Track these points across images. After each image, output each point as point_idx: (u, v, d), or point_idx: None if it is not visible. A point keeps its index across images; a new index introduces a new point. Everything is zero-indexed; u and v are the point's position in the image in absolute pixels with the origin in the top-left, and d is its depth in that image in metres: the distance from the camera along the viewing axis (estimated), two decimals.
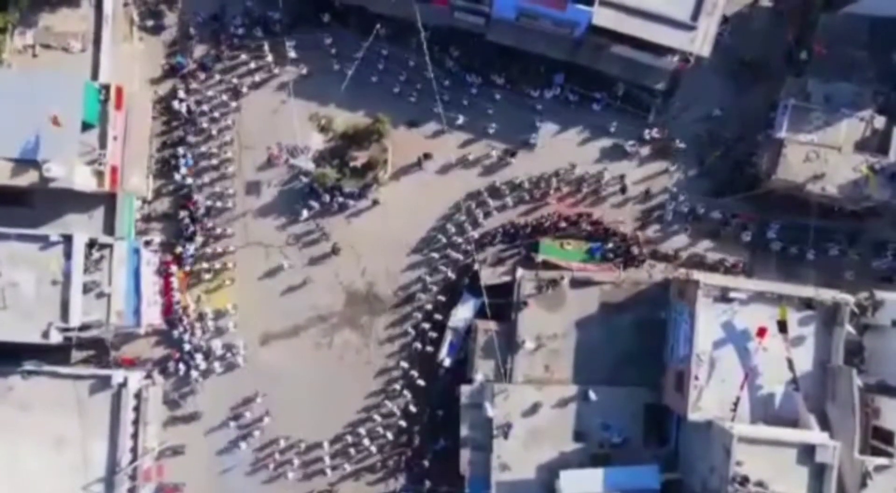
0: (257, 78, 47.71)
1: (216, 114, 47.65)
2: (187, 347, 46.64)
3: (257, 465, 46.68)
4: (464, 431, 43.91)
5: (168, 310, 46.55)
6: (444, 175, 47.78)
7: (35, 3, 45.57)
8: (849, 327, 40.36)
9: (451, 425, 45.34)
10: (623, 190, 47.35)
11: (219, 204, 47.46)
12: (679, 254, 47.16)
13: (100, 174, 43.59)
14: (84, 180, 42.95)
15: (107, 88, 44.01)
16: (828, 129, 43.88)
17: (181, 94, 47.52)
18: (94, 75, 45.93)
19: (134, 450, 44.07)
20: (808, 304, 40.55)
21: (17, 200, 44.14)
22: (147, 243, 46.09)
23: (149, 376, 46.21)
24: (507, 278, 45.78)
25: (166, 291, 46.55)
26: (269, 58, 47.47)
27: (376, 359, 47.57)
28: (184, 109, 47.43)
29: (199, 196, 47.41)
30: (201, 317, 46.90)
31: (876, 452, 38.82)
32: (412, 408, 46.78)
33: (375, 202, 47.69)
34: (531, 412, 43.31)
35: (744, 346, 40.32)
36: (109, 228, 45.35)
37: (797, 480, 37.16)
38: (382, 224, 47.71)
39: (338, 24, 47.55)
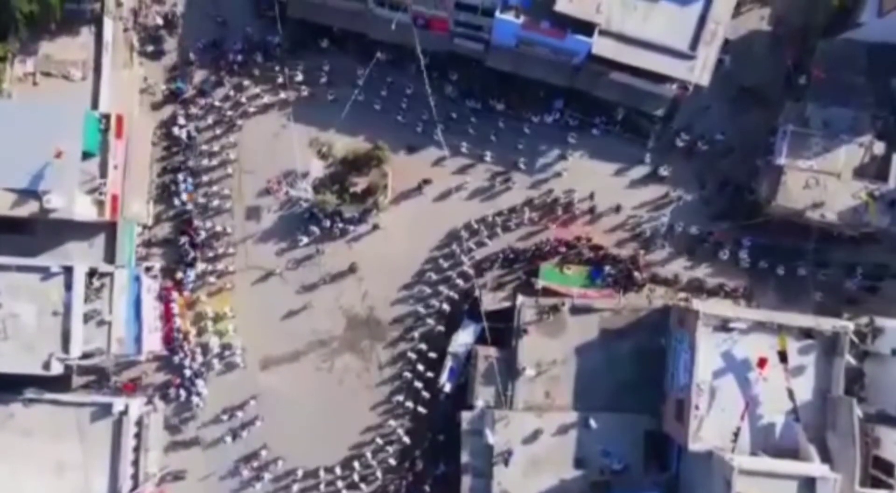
0: (257, 104, 47.84)
1: (216, 139, 47.75)
2: (188, 373, 46.73)
3: (258, 490, 46.64)
4: (464, 457, 44.01)
5: (168, 337, 46.60)
6: (443, 200, 47.89)
7: (35, 32, 45.73)
8: (848, 357, 40.35)
9: (451, 450, 45.46)
10: (618, 210, 47.55)
11: (219, 229, 47.56)
12: (679, 278, 47.20)
13: (100, 203, 43.74)
14: (85, 210, 43.05)
15: (107, 117, 44.10)
16: (827, 154, 43.96)
17: (181, 119, 47.63)
18: (95, 103, 46.03)
19: (135, 476, 44.26)
20: (807, 333, 40.65)
21: (18, 228, 44.32)
22: (147, 270, 46.17)
23: (150, 402, 46.30)
24: (507, 304, 45.84)
25: (167, 317, 46.58)
26: (269, 83, 47.58)
27: (377, 383, 47.67)
28: (184, 135, 47.53)
29: (199, 222, 47.47)
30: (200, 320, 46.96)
31: (876, 483, 38.89)
32: (413, 433, 46.84)
33: (376, 227, 47.81)
34: (532, 439, 43.43)
35: (744, 375, 40.44)
36: (110, 255, 45.57)
37: None
38: (383, 249, 47.81)
39: (337, 50, 47.75)
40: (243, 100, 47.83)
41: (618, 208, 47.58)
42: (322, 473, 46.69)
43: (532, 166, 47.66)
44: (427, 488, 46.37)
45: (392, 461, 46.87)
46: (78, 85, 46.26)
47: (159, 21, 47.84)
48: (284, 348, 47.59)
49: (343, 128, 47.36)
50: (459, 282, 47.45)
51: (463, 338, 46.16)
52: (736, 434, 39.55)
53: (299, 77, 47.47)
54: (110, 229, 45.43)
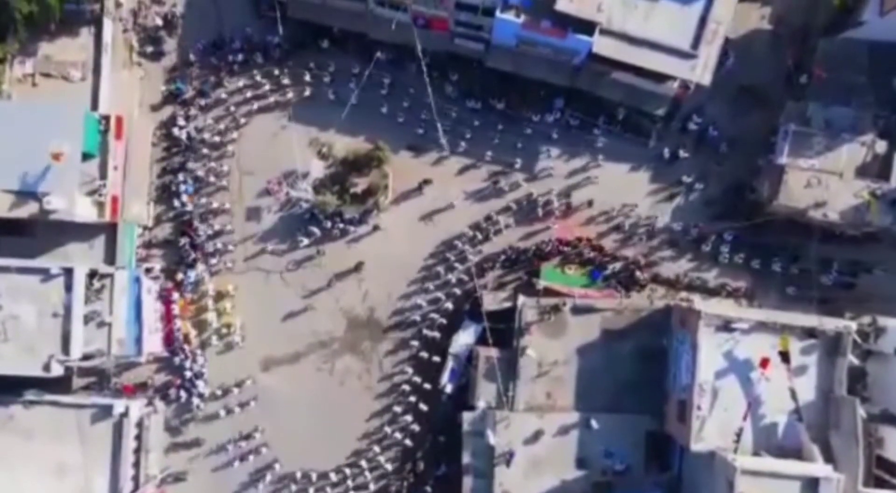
0: (257, 104, 47.72)
1: (216, 140, 47.69)
2: (188, 374, 46.63)
3: (259, 491, 46.54)
4: (466, 458, 43.89)
5: (169, 338, 46.51)
6: (444, 200, 47.70)
7: (34, 33, 45.67)
8: (851, 356, 40.23)
9: (452, 450, 45.36)
10: (626, 216, 47.41)
11: (219, 229, 47.44)
12: (680, 278, 47.06)
13: (100, 205, 43.72)
14: (85, 212, 43.00)
15: (107, 118, 44.04)
16: (829, 154, 43.77)
17: (181, 120, 47.52)
18: (95, 104, 45.96)
19: (136, 478, 44.24)
20: (810, 333, 40.47)
21: (18, 229, 44.27)
22: (148, 271, 46.16)
23: (150, 403, 46.21)
24: (508, 305, 45.71)
25: (167, 318, 46.49)
26: (269, 84, 47.48)
27: (377, 385, 47.59)
28: (184, 136, 47.44)
29: (199, 222, 47.35)
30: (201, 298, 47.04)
31: (880, 483, 38.75)
32: (414, 434, 46.76)
33: (376, 228, 47.71)
34: (533, 440, 43.32)
35: (746, 375, 40.28)
36: (110, 256, 45.55)
37: None
38: (383, 250, 47.70)
39: (337, 50, 47.61)
40: (243, 100, 47.70)
41: (617, 208, 47.40)
42: (322, 474, 46.56)
43: (533, 166, 47.50)
44: (428, 489, 46.29)
45: (393, 462, 46.76)
46: (77, 86, 46.25)
47: (159, 22, 47.76)
48: (285, 349, 47.49)
49: (343, 128, 47.30)
50: (460, 282, 47.31)
51: (464, 339, 46.03)
52: (738, 434, 39.38)
53: (299, 77, 47.33)
54: (110, 231, 45.42)
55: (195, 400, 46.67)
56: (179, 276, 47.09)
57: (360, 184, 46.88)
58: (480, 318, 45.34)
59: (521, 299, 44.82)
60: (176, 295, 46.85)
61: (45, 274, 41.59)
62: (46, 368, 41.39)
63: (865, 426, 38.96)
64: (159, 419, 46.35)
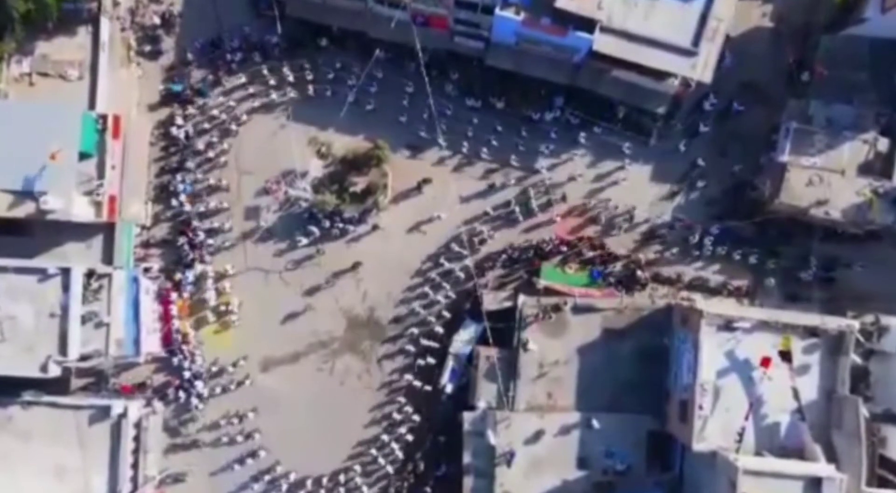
0: (255, 103, 47.53)
1: (214, 139, 47.46)
2: (187, 374, 46.39)
3: (257, 492, 46.34)
4: (466, 458, 43.69)
5: (167, 338, 46.27)
6: (443, 199, 47.41)
7: (31, 32, 45.42)
8: (854, 356, 40.01)
9: (453, 451, 45.15)
10: (630, 217, 47.25)
11: (217, 229, 47.20)
12: (681, 277, 46.83)
13: (98, 204, 43.51)
14: (82, 211, 42.79)
15: (104, 117, 43.81)
16: (830, 152, 43.58)
17: (179, 120, 47.29)
18: (92, 103, 45.72)
19: (134, 479, 43.95)
20: (812, 332, 40.27)
21: (15, 229, 44.01)
22: (146, 271, 45.91)
23: (149, 404, 45.97)
24: (508, 304, 45.49)
25: (166, 319, 46.25)
26: (268, 83, 47.25)
27: (377, 385, 47.35)
28: (182, 135, 47.20)
29: (197, 222, 47.11)
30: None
31: (883, 483, 38.56)
32: (414, 434, 46.54)
33: (375, 227, 47.47)
34: (534, 440, 43.15)
35: (748, 375, 40.11)
36: (108, 256, 45.27)
37: None
38: (382, 249, 47.48)
39: (336, 48, 47.45)
40: (241, 99, 47.50)
41: (617, 206, 47.18)
42: (322, 474, 46.34)
43: (533, 165, 47.27)
44: (428, 489, 46.13)
45: (393, 463, 46.51)
46: (75, 85, 46.03)
47: (157, 21, 47.54)
48: (284, 349, 47.28)
49: (342, 127, 47.07)
50: (460, 281, 47.08)
51: (464, 338, 45.84)
52: (740, 434, 39.20)
53: (298, 76, 47.11)
54: (108, 230, 45.15)
55: (194, 401, 46.46)
56: (178, 276, 46.83)
57: (359, 183, 46.67)
58: (480, 317, 45.13)
59: (522, 298, 44.62)
60: (174, 295, 46.59)
61: (43, 274, 41.36)
62: (44, 368, 41.15)
63: (868, 426, 38.84)
64: (158, 419, 46.09)
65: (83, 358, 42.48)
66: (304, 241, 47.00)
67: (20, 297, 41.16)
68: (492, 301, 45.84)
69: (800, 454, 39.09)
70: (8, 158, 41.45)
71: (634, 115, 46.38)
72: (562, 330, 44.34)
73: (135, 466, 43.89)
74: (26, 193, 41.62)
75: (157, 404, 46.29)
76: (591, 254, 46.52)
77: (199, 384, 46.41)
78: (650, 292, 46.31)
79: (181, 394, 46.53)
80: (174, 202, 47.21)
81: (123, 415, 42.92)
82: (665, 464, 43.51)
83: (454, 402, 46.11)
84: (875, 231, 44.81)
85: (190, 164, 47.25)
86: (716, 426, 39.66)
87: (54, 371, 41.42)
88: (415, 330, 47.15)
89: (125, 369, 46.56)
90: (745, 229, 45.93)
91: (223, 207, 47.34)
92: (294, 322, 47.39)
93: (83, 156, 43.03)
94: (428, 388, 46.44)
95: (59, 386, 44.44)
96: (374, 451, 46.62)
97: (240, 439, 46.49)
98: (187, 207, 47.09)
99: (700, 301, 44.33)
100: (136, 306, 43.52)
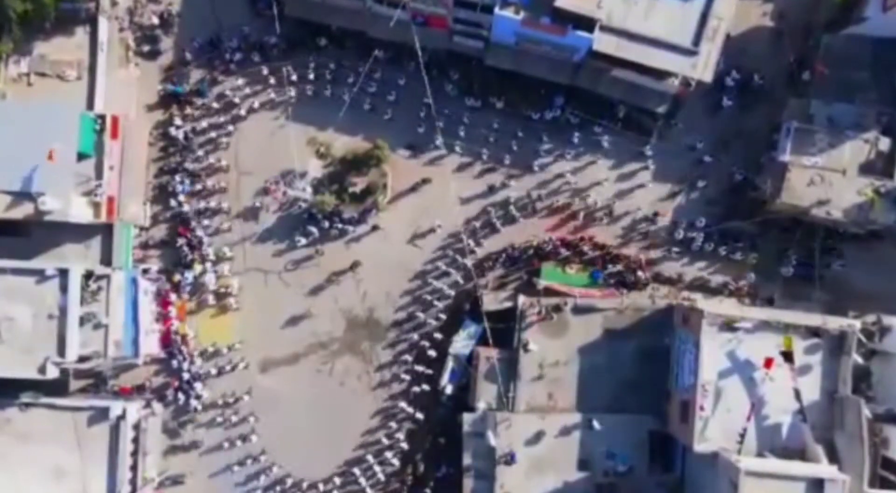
0: (254, 103, 47.34)
1: (213, 140, 47.23)
2: (186, 376, 46.23)
3: None
4: (466, 459, 43.52)
5: (166, 339, 46.10)
6: (443, 199, 47.12)
7: (29, 32, 45.24)
8: (856, 356, 39.84)
9: (453, 452, 44.99)
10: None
11: (216, 229, 47.04)
12: (682, 277, 46.65)
13: (96, 205, 43.33)
14: (80, 212, 42.62)
15: (103, 118, 43.64)
16: (832, 151, 43.40)
17: (178, 120, 47.11)
18: (90, 103, 45.54)
19: (133, 481, 43.74)
20: (814, 332, 40.10)
21: (12, 230, 43.80)
22: (145, 272, 45.72)
23: (148, 405, 45.78)
24: (508, 304, 45.31)
25: (164, 320, 46.08)
26: (267, 83, 47.07)
27: (377, 386, 47.18)
28: (180, 136, 47.02)
29: (196, 223, 46.91)
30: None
31: (885, 483, 38.37)
32: (414, 435, 46.39)
33: (375, 228, 47.28)
34: (534, 441, 42.99)
35: (749, 375, 39.95)
36: (107, 256, 45.08)
37: None
38: (382, 249, 47.30)
39: (335, 48, 47.26)
40: (240, 99, 47.30)
41: (617, 206, 47.00)
42: (322, 476, 46.19)
43: (532, 165, 47.11)
44: (428, 490, 46.01)
45: (393, 464, 46.35)
46: (73, 85, 45.83)
47: (155, 20, 47.34)
48: (284, 350, 47.16)
49: (341, 127, 46.91)
50: (459, 282, 46.92)
51: (464, 339, 45.69)
52: (742, 435, 39.04)
53: (297, 76, 46.92)
54: (107, 231, 44.99)
55: (193, 402, 46.31)
56: (177, 277, 46.64)
57: (358, 183, 46.52)
58: (480, 318, 44.97)
59: (522, 298, 44.42)
60: (174, 296, 46.41)
61: (41, 275, 41.22)
62: (42, 370, 40.98)
63: (870, 426, 38.63)
64: (157, 421, 45.96)
65: (82, 359, 42.34)
66: (304, 241, 46.85)
67: (18, 298, 41.02)
68: (492, 302, 45.70)
69: (801, 454, 38.97)
70: (6, 158, 41.30)
71: (635, 114, 46.19)
72: (562, 331, 44.17)
73: (134, 468, 43.71)
74: (24, 194, 41.46)
75: (157, 406, 46.15)
76: (591, 254, 46.26)
77: (198, 386, 46.22)
78: (651, 292, 46.12)
79: (180, 396, 46.35)
80: (173, 203, 47.01)
81: (122, 417, 42.75)
82: (666, 465, 43.35)
83: (454, 403, 45.96)
84: (877, 231, 44.60)
85: (188, 164, 47.03)
86: (717, 426, 39.51)
87: (52, 373, 41.25)
88: (414, 331, 47.00)
89: (124, 371, 46.41)
90: (734, 225, 45.81)
91: (222, 207, 47.14)
92: (293, 323, 47.21)
93: (81, 156, 42.87)
94: (428, 389, 46.25)
95: (57, 388, 44.21)
96: (373, 452, 46.46)
97: (239, 440, 46.31)
98: (186, 208, 46.87)
99: (701, 301, 44.09)
100: (134, 307, 43.48)
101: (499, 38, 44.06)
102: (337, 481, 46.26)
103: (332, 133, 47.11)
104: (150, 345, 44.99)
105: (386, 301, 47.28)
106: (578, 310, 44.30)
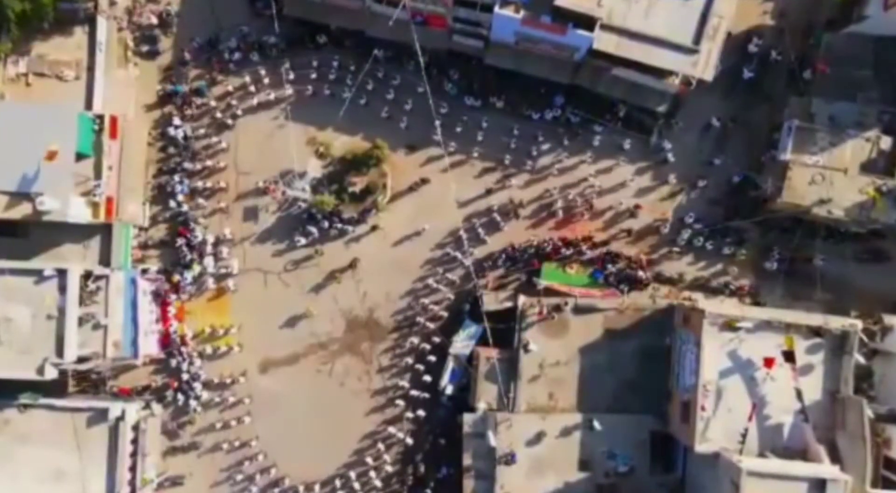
0: (254, 103, 47.15)
1: (212, 140, 47.13)
2: (185, 376, 46.11)
3: None
4: (466, 460, 43.38)
5: (165, 340, 45.97)
6: (443, 199, 46.94)
7: (27, 32, 45.07)
8: (857, 355, 39.68)
9: (453, 453, 44.86)
10: (632, 214, 46.91)
11: (216, 229, 46.86)
12: (683, 277, 46.49)
13: (95, 205, 43.13)
14: (79, 212, 42.44)
15: (101, 118, 43.49)
16: (833, 150, 43.23)
17: (177, 120, 46.94)
18: (89, 103, 45.41)
19: (132, 482, 43.59)
20: (816, 332, 39.97)
21: (11, 231, 43.67)
22: (144, 272, 45.59)
23: (147, 406, 45.66)
24: (508, 304, 45.18)
25: (164, 320, 45.95)
26: (266, 82, 46.94)
27: (377, 386, 47.07)
28: (179, 136, 46.86)
29: (195, 223, 46.78)
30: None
31: (888, 484, 38.23)
32: (414, 436, 46.26)
33: (374, 228, 47.14)
34: (535, 442, 42.87)
35: (751, 375, 39.84)
36: (106, 257, 44.89)
37: None
38: (382, 249, 47.18)
39: (334, 47, 47.06)
40: (239, 99, 47.14)
41: (618, 206, 46.89)
42: (322, 477, 46.06)
43: (533, 164, 46.98)
44: (429, 491, 45.78)
45: (393, 465, 46.27)
46: (71, 85, 45.60)
47: (154, 20, 47.14)
48: (284, 350, 47.01)
49: (341, 127, 46.78)
50: (460, 282, 46.78)
51: (464, 339, 45.54)
52: (743, 435, 38.90)
53: (296, 76, 46.76)
54: (105, 232, 44.79)
55: (192, 403, 46.19)
56: (176, 277, 46.51)
57: (358, 183, 46.38)
58: (480, 318, 44.81)
59: (522, 298, 44.28)
60: (173, 297, 46.28)
61: (39, 276, 41.01)
62: (41, 371, 40.76)
63: (872, 426, 38.48)
64: (156, 422, 45.82)
65: (80, 360, 42.19)
66: (303, 241, 46.71)
67: (16, 299, 40.79)
68: (492, 302, 45.55)
69: (803, 455, 38.84)
70: (4, 158, 41.07)
71: (635, 113, 46.04)
72: (563, 331, 44.04)
73: (133, 469, 43.54)
74: (23, 194, 41.24)
75: (156, 407, 46.02)
76: (591, 254, 46.13)
77: (197, 386, 46.10)
78: (651, 292, 45.99)
79: (180, 396, 46.23)
80: (172, 203, 46.88)
81: (121, 418, 42.60)
82: (667, 465, 43.22)
83: (454, 403, 45.82)
84: (878, 230, 44.44)
85: (187, 164, 46.88)
86: (718, 426, 39.38)
87: (51, 374, 41.05)
88: (414, 331, 46.81)
89: (123, 372, 46.29)
90: (735, 225, 45.74)
91: (222, 207, 47.00)
92: (293, 323, 47.08)
93: (80, 156, 42.64)
94: (428, 389, 46.04)
95: (56, 388, 44.03)
96: (373, 453, 46.29)
97: (238, 442, 46.20)
98: (185, 208, 46.74)
99: (702, 301, 43.93)
100: (133, 307, 43.29)
101: (498, 38, 43.91)
102: (337, 482, 46.09)
103: (332, 133, 46.97)
104: (151, 346, 44.85)
105: (386, 301, 47.14)
106: (579, 310, 44.17)
